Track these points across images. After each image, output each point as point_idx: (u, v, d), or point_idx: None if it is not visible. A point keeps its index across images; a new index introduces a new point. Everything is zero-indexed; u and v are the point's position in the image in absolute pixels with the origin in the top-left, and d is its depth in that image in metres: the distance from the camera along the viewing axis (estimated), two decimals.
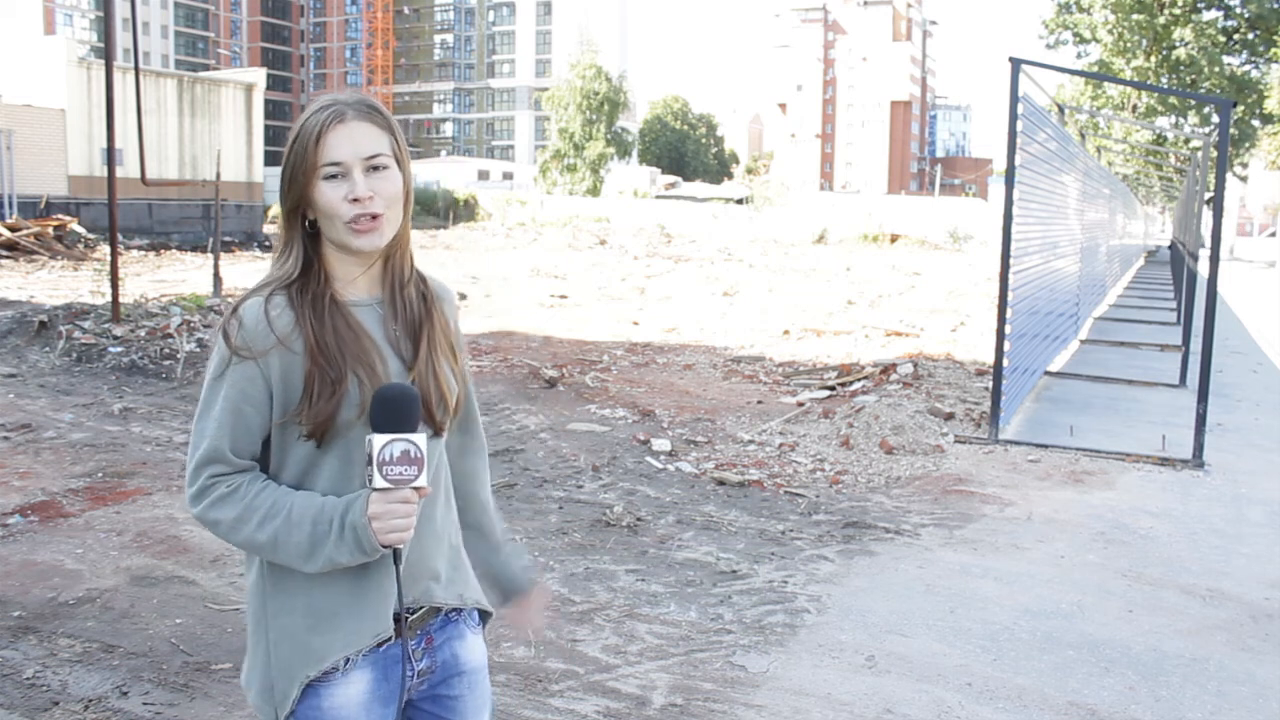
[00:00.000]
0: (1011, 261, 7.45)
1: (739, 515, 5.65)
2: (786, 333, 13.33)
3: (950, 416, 8.10)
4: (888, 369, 10.03)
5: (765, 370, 10.48)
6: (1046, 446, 7.38)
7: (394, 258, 1.70)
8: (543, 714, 3.39)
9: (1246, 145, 42.05)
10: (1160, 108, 37.90)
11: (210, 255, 18.02)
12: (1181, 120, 39.15)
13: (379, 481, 1.50)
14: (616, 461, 6.76)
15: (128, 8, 73.28)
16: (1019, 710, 3.53)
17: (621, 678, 3.67)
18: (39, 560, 4.69)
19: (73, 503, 5.55)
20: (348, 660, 1.63)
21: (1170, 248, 29.46)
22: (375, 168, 1.61)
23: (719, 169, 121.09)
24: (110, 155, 11.15)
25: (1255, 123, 40.00)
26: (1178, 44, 37.90)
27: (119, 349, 9.73)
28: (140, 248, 26.58)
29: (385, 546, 1.54)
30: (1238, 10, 39.38)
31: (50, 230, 23.87)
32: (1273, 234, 48.13)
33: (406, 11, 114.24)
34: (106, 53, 12.00)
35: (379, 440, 1.49)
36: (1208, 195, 11.23)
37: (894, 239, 42.31)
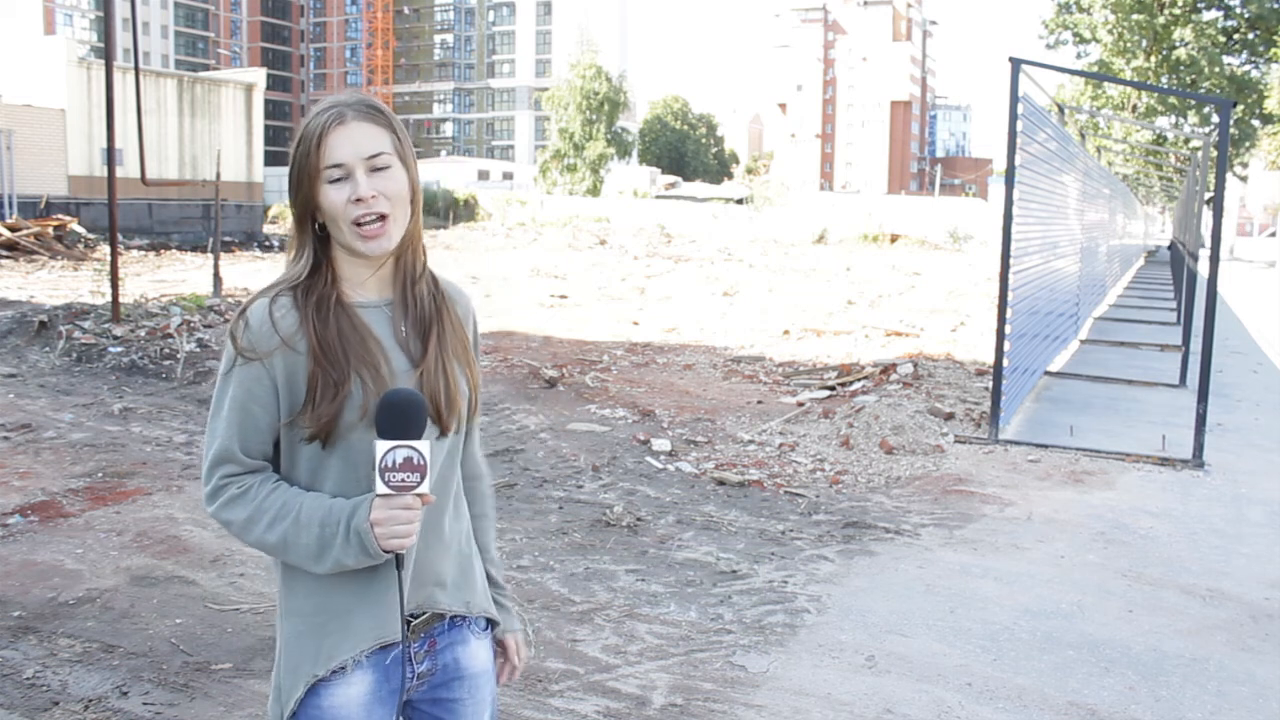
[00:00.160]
0: (1011, 261, 7.45)
1: (739, 515, 5.65)
2: (786, 333, 13.33)
3: (950, 416, 8.10)
4: (888, 369, 10.03)
5: (765, 370, 10.48)
6: (1046, 446, 7.38)
7: (405, 256, 1.70)
8: (543, 714, 3.39)
9: (1246, 145, 42.05)
10: (1160, 108, 37.89)
11: (210, 255, 18.03)
12: (1181, 120, 39.15)
13: (381, 487, 1.51)
14: (616, 461, 6.76)
15: (128, 8, 73.30)
16: (1019, 710, 3.53)
17: (621, 678, 3.67)
18: (39, 560, 4.69)
19: (73, 503, 5.55)
20: (352, 661, 1.63)
21: (1170, 248, 29.47)
22: (378, 167, 1.61)
23: (719, 169, 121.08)
24: (110, 155, 11.16)
25: (1255, 123, 39.99)
26: (1178, 44, 37.89)
27: (119, 349, 9.73)
28: (140, 248, 26.58)
29: (388, 551, 1.55)
30: (1238, 10, 39.37)
31: (50, 230, 23.87)
32: (1273, 234, 48.13)
33: (406, 11, 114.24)
34: (106, 53, 12.00)
35: (382, 446, 1.50)
36: (1208, 195, 11.23)
37: (894, 239, 42.30)
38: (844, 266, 27.41)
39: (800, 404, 8.76)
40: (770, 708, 3.49)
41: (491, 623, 1.84)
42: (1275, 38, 37.50)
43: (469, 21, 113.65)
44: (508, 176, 78.00)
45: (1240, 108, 36.97)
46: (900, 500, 6.03)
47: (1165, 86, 39.02)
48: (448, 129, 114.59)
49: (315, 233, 1.65)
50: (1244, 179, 48.73)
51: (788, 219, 46.42)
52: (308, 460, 1.62)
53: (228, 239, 29.06)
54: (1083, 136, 19.51)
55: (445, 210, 50.26)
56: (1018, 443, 7.47)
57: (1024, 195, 7.82)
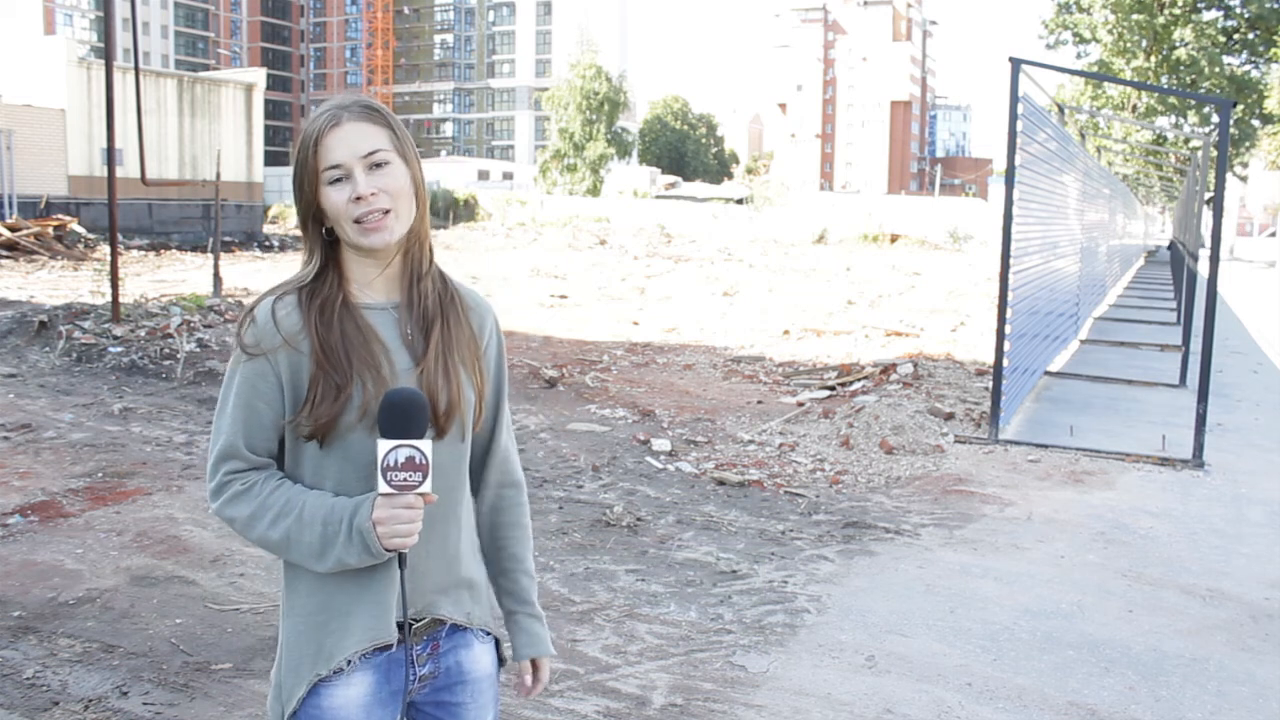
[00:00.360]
0: (1011, 261, 7.45)
1: (739, 515, 5.65)
2: (786, 333, 13.33)
3: (950, 416, 8.10)
4: (888, 369, 10.03)
5: (765, 370, 10.48)
6: (1046, 446, 7.38)
7: (411, 253, 1.70)
8: (543, 714, 3.39)
9: (1246, 145, 42.04)
10: (1160, 108, 37.88)
11: (210, 255, 18.03)
12: (1181, 120, 39.13)
13: (383, 486, 1.51)
14: (616, 461, 6.76)
15: (128, 8, 73.30)
16: (1019, 710, 3.53)
17: (621, 678, 3.67)
18: (39, 560, 4.69)
19: (73, 503, 5.55)
20: (350, 662, 1.63)
21: (1170, 248, 29.47)
22: (376, 164, 1.61)
23: (719, 169, 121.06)
24: (110, 155, 11.15)
25: (1255, 123, 39.98)
26: (1178, 44, 37.89)
27: (119, 349, 9.73)
28: (140, 248, 26.58)
29: (390, 550, 1.55)
30: (1238, 10, 39.36)
31: (50, 230, 23.87)
32: (1273, 234, 48.15)
33: (406, 11, 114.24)
34: (106, 53, 12.00)
35: (384, 445, 1.51)
36: (1208, 195, 11.23)
37: (894, 239, 42.30)
38: (844, 266, 27.41)
39: (800, 404, 8.76)
40: (770, 708, 3.49)
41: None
42: (1275, 38, 37.50)
43: (469, 21, 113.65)
44: (508, 176, 77.99)
45: (1240, 108, 36.97)
46: (900, 500, 6.03)
47: (1165, 86, 39.01)
48: (448, 129, 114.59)
49: (323, 236, 1.66)
50: (1244, 179, 48.74)
51: (788, 219, 46.41)
52: (311, 458, 1.62)
53: (228, 239, 29.06)
54: (1083, 136, 19.51)
55: (445, 210, 50.23)
56: (1018, 443, 7.47)
57: (1024, 195, 7.83)
